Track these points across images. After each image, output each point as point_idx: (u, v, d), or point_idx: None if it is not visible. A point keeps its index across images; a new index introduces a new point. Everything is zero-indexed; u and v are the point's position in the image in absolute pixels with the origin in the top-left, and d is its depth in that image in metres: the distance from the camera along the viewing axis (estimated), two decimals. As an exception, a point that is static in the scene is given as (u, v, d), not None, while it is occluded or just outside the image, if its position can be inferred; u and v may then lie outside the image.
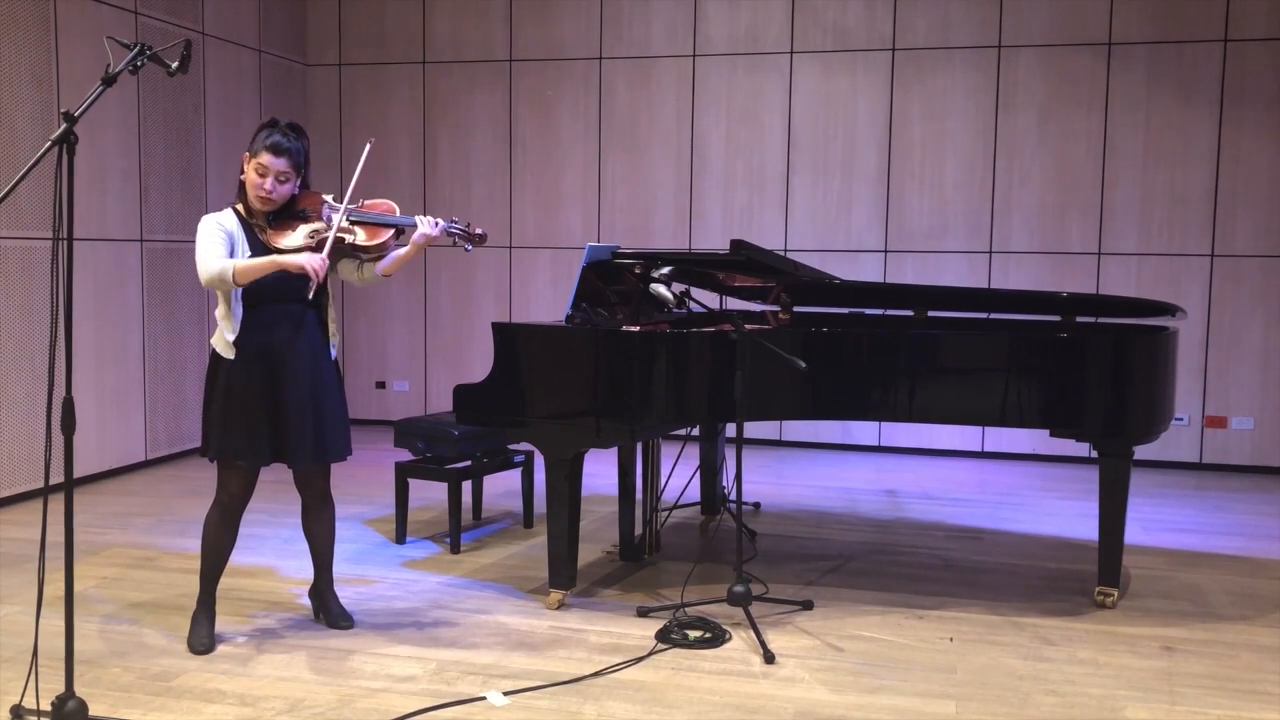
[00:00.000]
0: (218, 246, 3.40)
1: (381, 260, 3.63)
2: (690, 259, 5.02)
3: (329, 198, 3.62)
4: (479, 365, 7.09)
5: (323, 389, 3.57)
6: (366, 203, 3.66)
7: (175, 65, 2.94)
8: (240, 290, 3.43)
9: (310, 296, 3.43)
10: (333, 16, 7.82)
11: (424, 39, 7.70)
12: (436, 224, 3.58)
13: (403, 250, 3.61)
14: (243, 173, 3.50)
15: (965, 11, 6.89)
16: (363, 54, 7.79)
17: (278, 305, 3.46)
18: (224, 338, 3.46)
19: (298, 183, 3.54)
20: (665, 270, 4.13)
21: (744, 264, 4.38)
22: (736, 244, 4.05)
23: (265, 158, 3.43)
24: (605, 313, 4.39)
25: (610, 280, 4.44)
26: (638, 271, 4.33)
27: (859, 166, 7.10)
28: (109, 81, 2.83)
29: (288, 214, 3.54)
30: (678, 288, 4.18)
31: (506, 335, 4.02)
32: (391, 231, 3.59)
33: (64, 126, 2.71)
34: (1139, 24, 6.67)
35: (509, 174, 7.63)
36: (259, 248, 3.47)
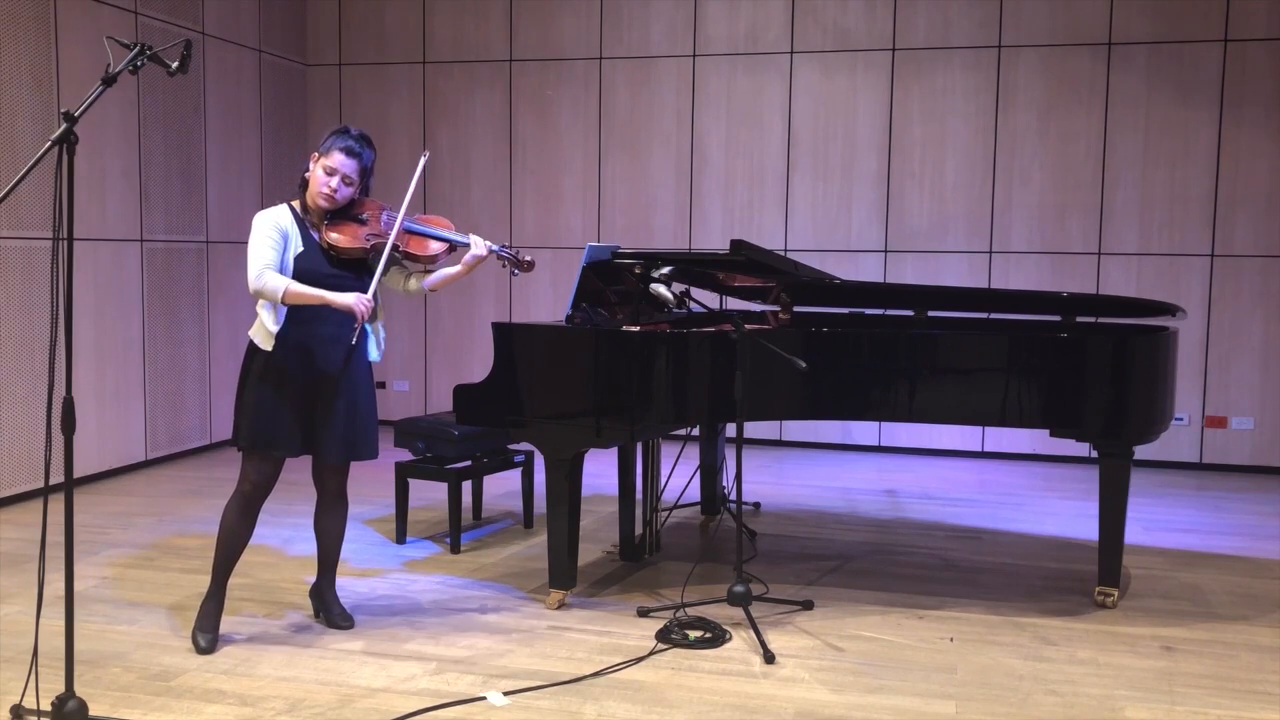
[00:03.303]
0: (270, 253, 3.42)
1: (431, 275, 3.69)
2: (690, 259, 5.02)
3: (386, 206, 3.69)
4: (479, 365, 7.10)
5: (359, 389, 3.61)
6: (422, 216, 3.74)
7: (175, 65, 2.94)
8: (293, 279, 3.45)
9: (355, 341, 3.50)
10: (333, 16, 7.82)
11: (424, 39, 7.70)
12: (489, 247, 3.67)
13: (453, 270, 3.69)
14: (308, 170, 3.55)
15: (965, 11, 6.89)
16: (363, 54, 7.79)
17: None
18: (265, 328, 3.48)
19: (358, 190, 3.59)
20: (665, 270, 4.12)
21: (744, 264, 4.38)
22: (736, 244, 4.05)
23: (337, 158, 3.50)
24: (605, 313, 4.39)
25: (610, 280, 4.44)
26: (638, 271, 4.33)
27: (859, 166, 7.10)
28: (109, 81, 2.83)
29: (344, 215, 3.60)
30: (678, 288, 4.18)
31: (506, 335, 4.02)
32: (445, 246, 3.66)
33: (64, 126, 2.71)
34: (1139, 24, 6.67)
35: (509, 174, 7.63)
36: (312, 244, 3.52)
